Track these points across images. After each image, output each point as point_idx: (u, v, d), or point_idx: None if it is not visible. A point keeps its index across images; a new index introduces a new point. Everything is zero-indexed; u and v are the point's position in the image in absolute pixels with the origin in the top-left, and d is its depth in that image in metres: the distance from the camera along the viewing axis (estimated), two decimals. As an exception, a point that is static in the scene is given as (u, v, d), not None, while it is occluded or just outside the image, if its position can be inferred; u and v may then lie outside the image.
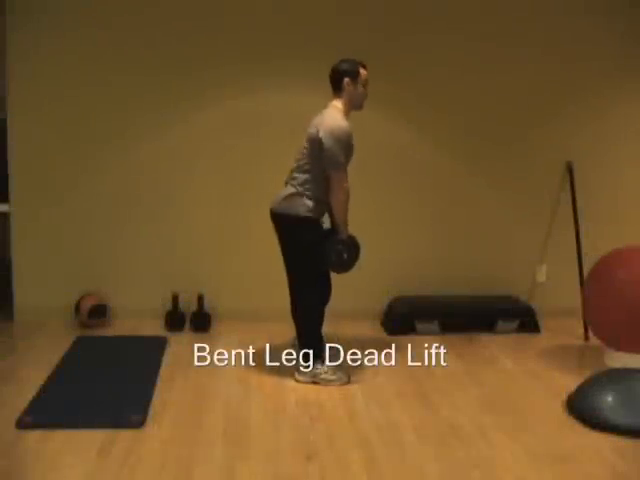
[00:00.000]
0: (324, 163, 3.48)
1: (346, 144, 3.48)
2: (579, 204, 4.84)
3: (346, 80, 3.56)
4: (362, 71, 3.60)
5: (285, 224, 3.60)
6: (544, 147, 4.87)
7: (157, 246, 4.69)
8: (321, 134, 3.45)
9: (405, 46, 4.66)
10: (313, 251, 3.57)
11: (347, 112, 3.60)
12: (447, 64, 4.71)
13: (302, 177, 3.56)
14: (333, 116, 3.51)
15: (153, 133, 4.61)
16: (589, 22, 4.79)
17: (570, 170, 4.86)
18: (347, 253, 3.58)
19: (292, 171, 3.64)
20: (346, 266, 3.64)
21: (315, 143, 3.49)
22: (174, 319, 4.53)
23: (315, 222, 3.57)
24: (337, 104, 3.59)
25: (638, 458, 2.83)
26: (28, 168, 4.56)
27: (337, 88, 3.60)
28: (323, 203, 3.58)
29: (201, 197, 4.68)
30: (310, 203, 3.52)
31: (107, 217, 4.64)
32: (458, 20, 4.68)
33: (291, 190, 3.58)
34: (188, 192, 4.67)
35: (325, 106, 3.61)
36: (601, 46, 4.81)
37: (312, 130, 3.53)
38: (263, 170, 4.64)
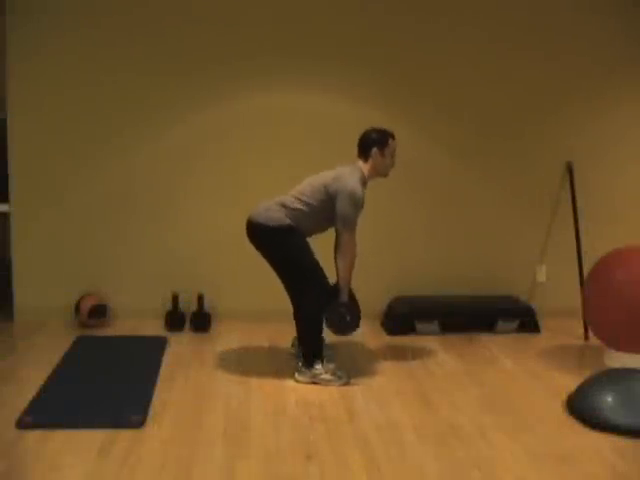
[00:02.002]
0: (336, 220, 3.55)
1: (359, 209, 3.56)
2: (579, 204, 4.84)
3: (374, 150, 3.62)
4: (391, 142, 3.67)
5: (266, 234, 3.62)
6: (544, 147, 4.88)
7: (157, 246, 4.69)
8: (338, 190, 3.51)
9: (404, 45, 4.67)
10: (299, 252, 3.61)
11: (369, 178, 3.68)
12: (447, 64, 4.71)
13: (297, 206, 3.59)
14: (354, 178, 3.56)
15: (153, 133, 4.61)
16: (590, 22, 4.79)
17: (570, 170, 4.86)
18: (350, 315, 3.64)
19: (290, 195, 3.65)
20: (348, 329, 3.68)
21: (328, 192, 3.55)
22: (174, 319, 4.53)
23: (297, 230, 3.61)
24: (362, 167, 3.65)
25: (638, 458, 2.83)
26: (28, 168, 4.56)
27: (364, 155, 3.66)
28: (303, 231, 3.64)
29: (201, 197, 4.68)
30: (290, 220, 3.58)
31: (107, 217, 4.64)
32: (458, 19, 4.68)
33: (274, 206, 3.61)
34: (188, 192, 4.67)
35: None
36: (602, 46, 4.81)
37: (329, 180, 3.57)
38: (263, 170, 4.64)
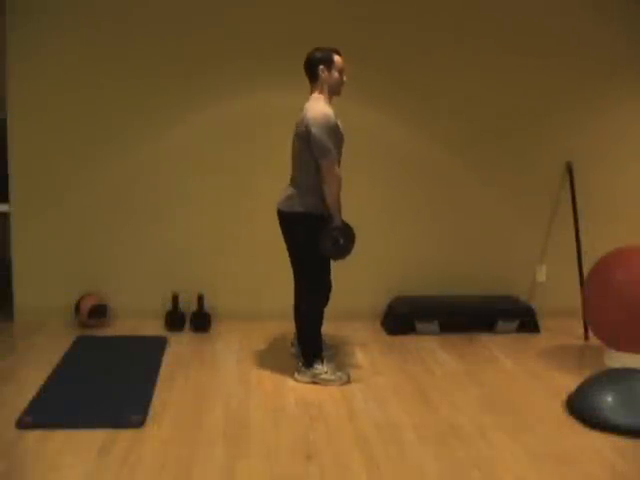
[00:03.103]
0: (314, 153, 3.47)
1: (332, 130, 3.47)
2: (579, 204, 4.84)
3: (321, 67, 3.57)
4: (337, 57, 3.60)
5: (288, 222, 3.61)
6: (544, 147, 4.88)
7: (157, 246, 4.69)
8: (308, 126, 3.45)
9: (404, 43, 4.66)
10: (313, 249, 3.58)
11: (327, 100, 3.60)
12: (447, 64, 4.71)
13: (299, 175, 3.57)
14: (315, 106, 3.50)
15: (153, 133, 4.61)
16: (590, 23, 4.79)
17: (570, 170, 4.86)
18: (343, 238, 3.57)
19: (292, 173, 3.65)
20: (343, 252, 3.60)
21: (304, 136, 3.49)
22: (174, 319, 4.53)
23: (317, 218, 3.56)
24: (316, 95, 3.60)
25: (638, 458, 2.83)
26: (28, 168, 4.56)
27: (313, 76, 3.60)
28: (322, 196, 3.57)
29: (201, 197, 4.68)
30: (311, 200, 3.53)
31: (107, 217, 4.64)
32: (458, 18, 4.68)
33: (291, 190, 3.60)
34: (188, 192, 4.67)
35: (307, 99, 3.61)
36: (602, 47, 4.81)
37: (300, 127, 3.53)
38: (263, 170, 4.64)
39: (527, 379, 3.75)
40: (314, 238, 3.53)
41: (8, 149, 4.53)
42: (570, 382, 3.63)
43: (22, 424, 3.01)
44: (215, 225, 4.70)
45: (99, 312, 4.50)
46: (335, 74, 3.59)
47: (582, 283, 4.58)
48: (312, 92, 3.62)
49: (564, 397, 3.45)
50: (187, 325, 4.58)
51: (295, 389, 3.56)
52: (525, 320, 4.64)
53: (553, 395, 3.51)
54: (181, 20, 4.51)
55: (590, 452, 2.88)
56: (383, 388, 3.58)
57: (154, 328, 4.52)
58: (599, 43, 4.81)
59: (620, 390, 3.15)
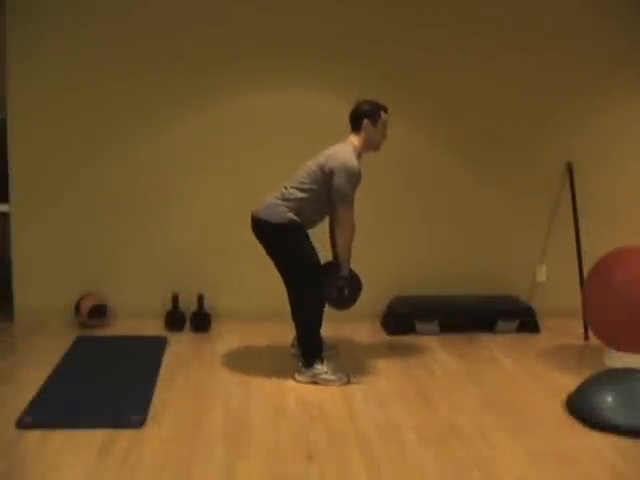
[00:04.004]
0: (333, 196, 3.52)
1: (356, 182, 3.54)
2: (579, 204, 4.84)
3: (365, 122, 3.60)
4: (383, 114, 3.65)
5: (270, 230, 3.62)
6: (544, 147, 4.88)
7: (157, 246, 4.69)
8: (333, 167, 3.49)
9: (404, 44, 4.66)
10: (302, 252, 3.60)
11: (362, 151, 3.65)
12: (447, 64, 4.71)
13: (298, 195, 3.57)
14: (347, 152, 3.55)
15: (153, 133, 4.61)
16: (591, 22, 4.79)
17: (570, 170, 4.86)
18: (348, 289, 3.62)
19: (288, 186, 3.64)
20: (347, 302, 3.67)
21: (325, 172, 3.52)
22: (174, 319, 4.53)
23: (299, 225, 3.60)
24: (354, 141, 3.64)
25: (638, 458, 2.83)
26: (28, 168, 4.56)
27: (356, 127, 3.65)
28: (306, 223, 3.63)
29: (201, 197, 4.68)
30: (292, 214, 3.57)
31: (107, 217, 4.64)
32: (459, 19, 4.68)
33: (277, 201, 3.61)
34: (188, 192, 4.67)
35: (343, 136, 3.66)
36: (602, 46, 4.82)
37: (323, 160, 3.56)
38: (263, 170, 4.64)
39: (527, 379, 3.75)
40: (298, 244, 3.59)
41: (8, 149, 4.53)
42: (570, 382, 3.63)
43: (22, 424, 3.00)
44: (215, 225, 4.70)
45: (99, 312, 4.50)
46: (379, 130, 3.64)
47: (582, 283, 4.58)
48: (351, 136, 3.66)
49: (564, 397, 3.45)
50: (187, 325, 4.58)
51: (295, 389, 3.56)
52: (525, 320, 4.64)
53: (553, 395, 3.51)
54: (181, 20, 4.51)
55: (590, 452, 2.88)
56: (383, 388, 3.58)
57: (154, 328, 4.52)
58: (599, 43, 4.81)
59: (620, 390, 3.15)
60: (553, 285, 4.99)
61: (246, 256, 4.72)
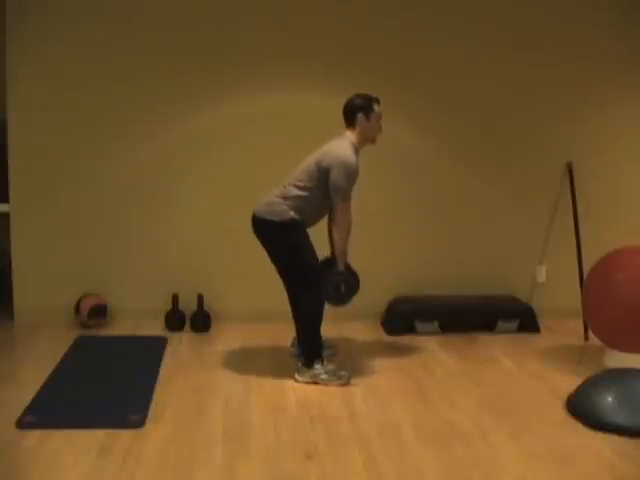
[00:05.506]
0: (330, 192, 3.52)
1: (354, 178, 3.53)
2: (579, 204, 4.84)
3: (359, 116, 3.60)
4: (376, 107, 3.64)
5: (272, 230, 3.62)
6: (544, 147, 4.88)
7: (157, 246, 4.69)
8: (330, 163, 3.49)
9: (405, 46, 4.66)
10: (303, 251, 3.60)
11: (360, 145, 3.65)
12: (447, 64, 4.71)
13: (297, 193, 3.58)
14: (344, 147, 3.55)
15: (153, 133, 4.61)
16: (591, 24, 4.79)
17: (570, 170, 4.86)
18: (345, 285, 3.62)
19: (287, 184, 3.64)
20: (343, 299, 3.67)
21: (322, 169, 3.52)
22: (174, 319, 4.53)
23: (300, 224, 3.60)
24: (350, 136, 3.63)
25: (638, 458, 2.83)
26: (28, 168, 4.55)
27: (350, 122, 3.64)
28: (307, 221, 3.63)
29: (201, 197, 4.68)
30: (293, 212, 3.57)
31: (107, 217, 4.64)
32: (459, 21, 4.68)
33: (276, 200, 3.61)
34: (188, 192, 4.67)
35: (339, 133, 3.66)
36: (603, 46, 4.81)
37: (320, 156, 3.56)
38: (263, 170, 4.63)
39: (527, 379, 3.75)
40: (298, 243, 3.59)
41: (8, 149, 4.53)
42: (570, 382, 3.62)
43: (22, 424, 3.00)
44: (215, 225, 4.70)
45: (99, 312, 4.50)
46: (373, 122, 3.63)
47: (582, 283, 4.57)
48: (346, 131, 3.65)
49: (564, 397, 3.45)
50: (187, 325, 4.58)
51: (295, 389, 3.56)
52: (525, 320, 4.64)
53: (553, 395, 3.51)
54: (181, 21, 4.51)
55: (590, 452, 2.88)
56: (383, 388, 3.58)
57: (154, 328, 4.51)
58: (600, 43, 4.81)
59: (620, 390, 3.15)
60: (553, 285, 4.99)
61: (246, 256, 4.71)
